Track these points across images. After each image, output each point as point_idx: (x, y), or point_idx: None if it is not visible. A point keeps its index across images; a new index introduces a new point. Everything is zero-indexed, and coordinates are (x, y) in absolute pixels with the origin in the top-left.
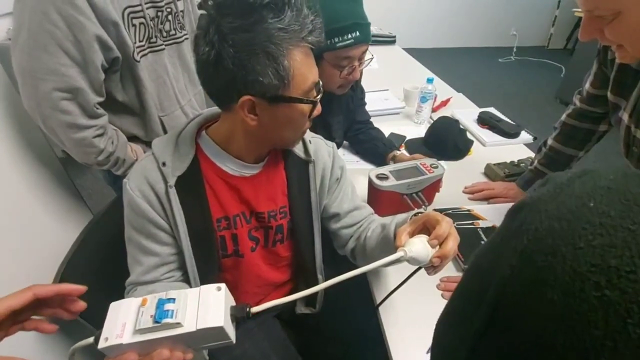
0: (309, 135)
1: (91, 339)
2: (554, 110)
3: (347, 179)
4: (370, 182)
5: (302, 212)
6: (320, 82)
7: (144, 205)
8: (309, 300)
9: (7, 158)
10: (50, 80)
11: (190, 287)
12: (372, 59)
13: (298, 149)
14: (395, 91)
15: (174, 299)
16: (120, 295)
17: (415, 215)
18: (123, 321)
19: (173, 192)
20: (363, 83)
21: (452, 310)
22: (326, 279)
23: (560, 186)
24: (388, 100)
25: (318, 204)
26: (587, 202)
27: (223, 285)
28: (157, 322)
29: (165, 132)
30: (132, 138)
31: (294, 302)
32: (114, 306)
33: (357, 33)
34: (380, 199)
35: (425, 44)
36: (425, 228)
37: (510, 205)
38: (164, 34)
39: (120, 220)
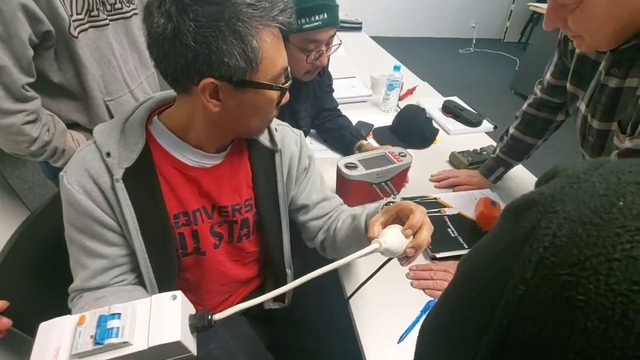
0: (275, 122)
1: None
2: (509, 100)
3: (315, 169)
4: (338, 171)
5: (268, 204)
6: (289, 68)
7: (85, 201)
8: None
9: None
10: None
11: (146, 290)
12: (340, 44)
13: (264, 138)
14: (362, 78)
15: (119, 314)
16: (63, 303)
17: (386, 204)
18: (56, 344)
19: (121, 187)
20: (330, 69)
21: (443, 332)
22: (295, 273)
23: (576, 180)
24: (355, 87)
25: (285, 196)
26: (616, 201)
27: (179, 293)
28: (98, 343)
29: (112, 118)
30: (73, 125)
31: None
32: (45, 327)
33: (325, 15)
34: (349, 189)
35: (389, 33)
36: (398, 218)
37: (474, 192)
38: (108, 7)
39: (60, 220)
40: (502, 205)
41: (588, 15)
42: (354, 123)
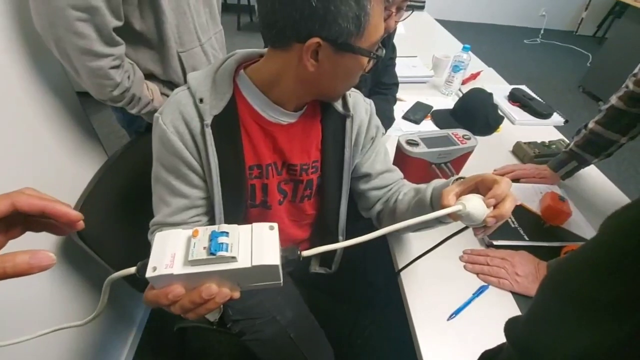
0: None
1: (132, 269)
2: (576, 98)
3: (381, 140)
4: (399, 146)
5: (333, 168)
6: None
7: (177, 143)
8: (325, 259)
9: (21, 88)
10: None
11: None
12: (411, 12)
13: (337, 102)
14: (423, 59)
15: (227, 233)
16: (137, 238)
17: (457, 179)
18: (172, 251)
19: (209, 132)
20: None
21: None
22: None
23: None
24: (416, 67)
25: (350, 162)
26: None
27: (275, 225)
28: (212, 254)
29: (183, 70)
30: (148, 76)
31: (308, 260)
32: (161, 236)
33: None
34: (407, 166)
35: (451, 17)
36: (477, 190)
37: (540, 186)
38: None
39: (135, 164)
40: (571, 203)
41: None
42: (412, 104)
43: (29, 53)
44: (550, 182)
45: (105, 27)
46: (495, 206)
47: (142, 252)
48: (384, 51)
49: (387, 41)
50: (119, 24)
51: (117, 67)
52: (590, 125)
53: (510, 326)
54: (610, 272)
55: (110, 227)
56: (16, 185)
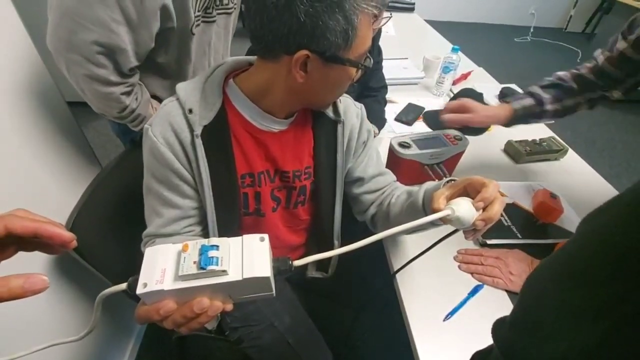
0: None
1: (123, 285)
2: None
3: (373, 144)
4: (391, 149)
5: (326, 174)
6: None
7: (168, 154)
8: (321, 264)
9: (7, 99)
10: (95, 32)
11: None
12: (390, 17)
13: (328, 108)
14: (414, 60)
15: (217, 246)
16: (133, 248)
17: (448, 182)
18: (162, 267)
19: (199, 143)
20: (380, 49)
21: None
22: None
23: None
24: (407, 69)
25: (343, 167)
26: None
27: (266, 236)
28: (202, 268)
29: None
30: (152, 96)
31: (304, 265)
32: (150, 252)
33: None
34: (400, 168)
35: (441, 17)
36: (465, 192)
37: (532, 183)
38: (218, 2)
39: (130, 174)
40: (563, 200)
41: None
42: (404, 105)
43: (15, 62)
44: (498, 119)
45: (125, 65)
46: (484, 209)
47: (138, 263)
48: (372, 60)
49: (373, 46)
50: (137, 64)
51: (128, 93)
52: (559, 73)
53: (497, 327)
54: (581, 279)
55: (106, 238)
56: (7, 199)
